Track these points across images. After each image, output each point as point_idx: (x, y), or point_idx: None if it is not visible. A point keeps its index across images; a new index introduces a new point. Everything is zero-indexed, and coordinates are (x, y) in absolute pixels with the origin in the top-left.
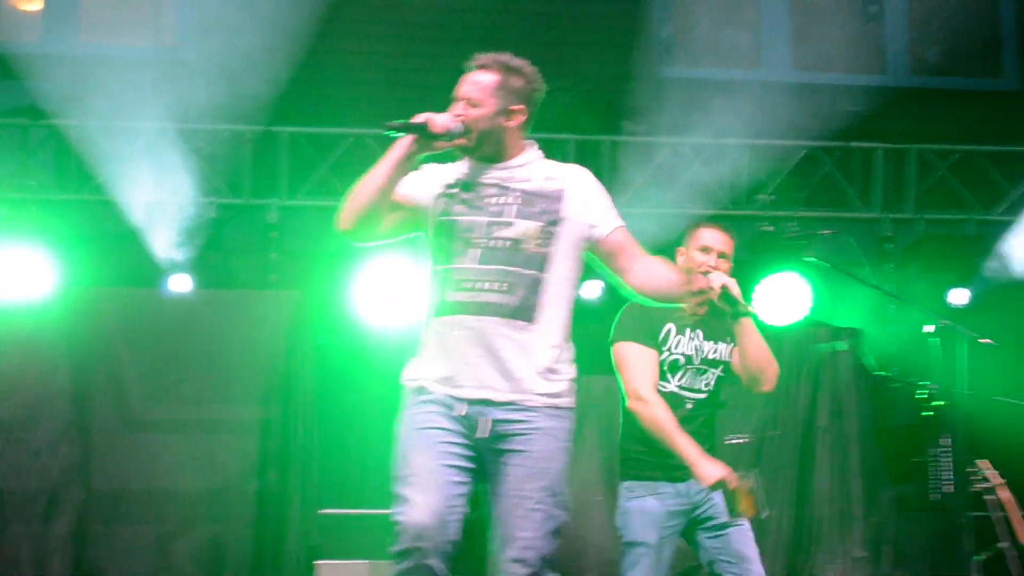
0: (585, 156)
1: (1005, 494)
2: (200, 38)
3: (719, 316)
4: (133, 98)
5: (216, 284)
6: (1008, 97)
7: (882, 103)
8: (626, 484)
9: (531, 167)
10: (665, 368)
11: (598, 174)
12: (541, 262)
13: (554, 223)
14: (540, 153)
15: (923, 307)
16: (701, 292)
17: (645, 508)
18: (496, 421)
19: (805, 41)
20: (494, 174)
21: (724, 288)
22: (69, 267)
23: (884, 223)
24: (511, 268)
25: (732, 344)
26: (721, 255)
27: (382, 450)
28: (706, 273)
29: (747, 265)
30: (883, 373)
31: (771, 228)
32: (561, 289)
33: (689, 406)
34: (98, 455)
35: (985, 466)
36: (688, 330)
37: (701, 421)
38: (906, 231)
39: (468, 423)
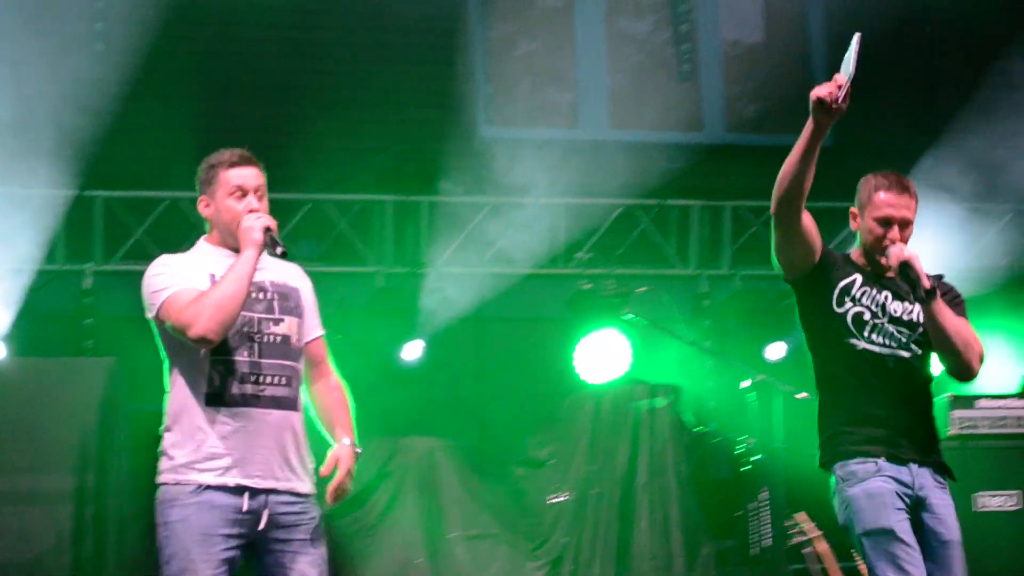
0: (404, 217)
1: (823, 546)
2: (10, 101)
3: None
4: None
5: (31, 351)
6: (824, 153)
7: (699, 160)
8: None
9: (266, 260)
10: (849, 323)
11: (416, 236)
12: (300, 357)
13: (301, 318)
14: None
15: (740, 362)
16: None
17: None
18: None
19: (623, 100)
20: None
21: (904, 265)
22: None
23: (701, 279)
24: (288, 362)
25: None
26: (904, 223)
27: None
28: (884, 249)
29: (565, 323)
30: (702, 428)
31: (589, 286)
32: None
33: (891, 365)
34: None
35: (802, 519)
36: (876, 286)
37: (909, 387)
38: (723, 287)
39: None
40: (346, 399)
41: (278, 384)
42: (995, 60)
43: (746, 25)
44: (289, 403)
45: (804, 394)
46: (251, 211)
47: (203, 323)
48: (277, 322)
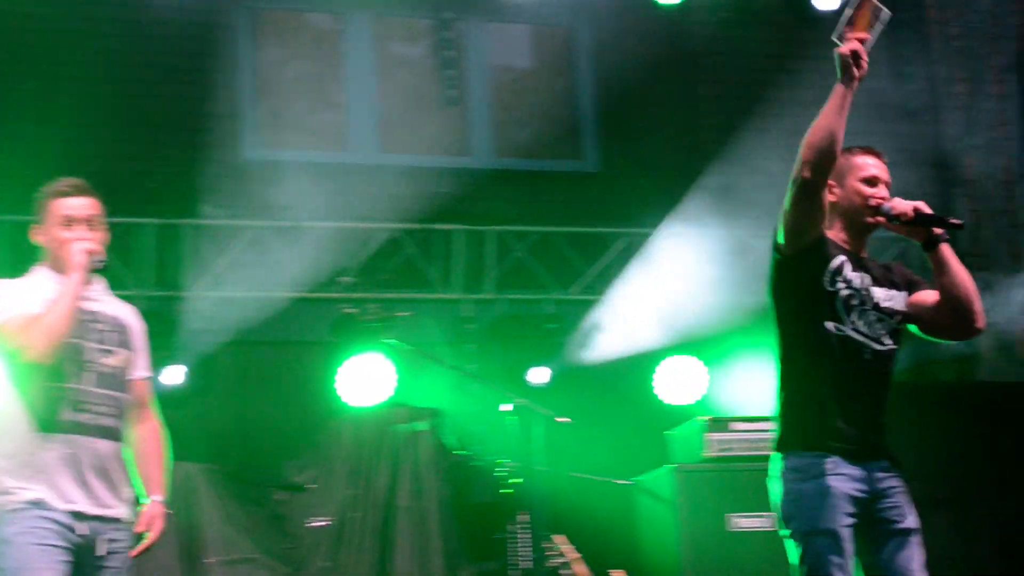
0: (166, 240)
1: (581, 568)
2: None
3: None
4: None
5: None
6: (588, 179)
7: (467, 185)
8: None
9: (107, 297)
10: (838, 305)
11: (178, 259)
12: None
13: (130, 351)
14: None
15: (500, 386)
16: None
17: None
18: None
19: (392, 124)
20: (88, 293)
21: (918, 211)
22: None
23: (466, 303)
24: (117, 394)
25: (907, 293)
26: (887, 186)
27: None
28: (878, 208)
29: (329, 347)
30: (463, 452)
31: (353, 310)
32: None
33: (868, 356)
34: None
35: (561, 541)
36: (861, 269)
37: (879, 382)
38: (487, 311)
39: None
40: (162, 449)
41: (107, 415)
42: (759, 88)
43: (514, 52)
44: (116, 434)
45: (565, 419)
46: (79, 240)
47: (36, 344)
48: (110, 353)
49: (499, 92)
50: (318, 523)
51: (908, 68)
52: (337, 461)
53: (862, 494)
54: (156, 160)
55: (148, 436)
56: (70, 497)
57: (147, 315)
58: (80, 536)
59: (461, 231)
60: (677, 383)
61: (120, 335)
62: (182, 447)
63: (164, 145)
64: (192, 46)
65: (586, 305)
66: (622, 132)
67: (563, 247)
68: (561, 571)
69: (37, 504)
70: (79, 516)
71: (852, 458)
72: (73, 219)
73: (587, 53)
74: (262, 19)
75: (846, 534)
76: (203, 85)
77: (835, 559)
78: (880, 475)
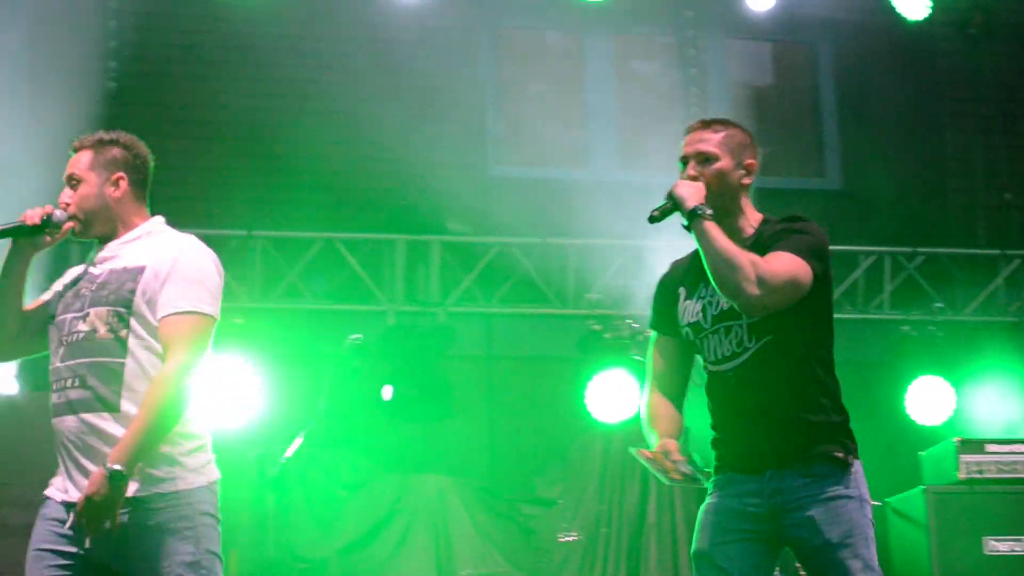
0: (415, 256)
1: None
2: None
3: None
4: None
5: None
6: (831, 196)
7: None
8: None
9: (139, 242)
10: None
11: (427, 275)
12: (118, 348)
13: (126, 304)
14: (162, 227)
15: None
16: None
17: None
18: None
19: (632, 141)
20: (100, 256)
21: (670, 193)
22: None
23: None
24: (86, 360)
25: None
26: (701, 156)
27: None
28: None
29: (577, 363)
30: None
31: (599, 327)
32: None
33: (733, 381)
34: None
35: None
36: (701, 287)
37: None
38: None
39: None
40: (147, 402)
41: (75, 387)
42: (1007, 105)
43: (756, 68)
44: (86, 404)
45: None
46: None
47: None
48: (83, 318)
49: (741, 109)
50: (568, 538)
51: None
52: (586, 476)
53: None
54: (405, 177)
55: (148, 390)
56: (61, 487)
57: (396, 331)
58: (70, 528)
59: None
60: (927, 403)
61: (103, 290)
62: (435, 461)
63: (412, 163)
64: (435, 66)
65: None
66: (865, 149)
67: None
68: None
69: (44, 501)
70: (69, 506)
71: None
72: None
73: (829, 69)
74: (503, 38)
75: None
76: (448, 104)
77: None
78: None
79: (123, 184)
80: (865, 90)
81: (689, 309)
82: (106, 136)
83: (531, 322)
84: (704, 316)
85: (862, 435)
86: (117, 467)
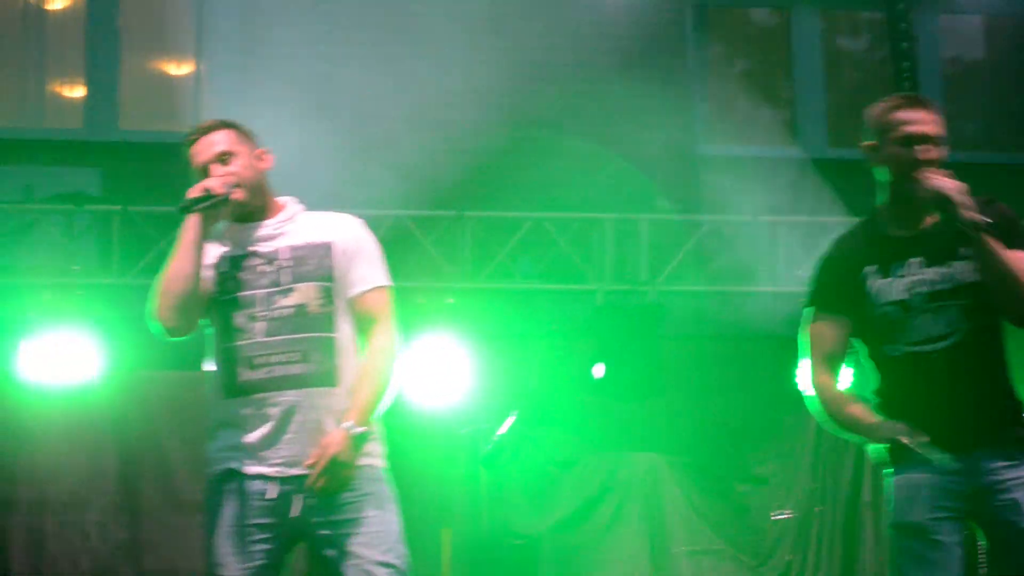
0: (623, 235)
1: None
2: None
3: (945, 227)
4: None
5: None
6: None
7: None
8: None
9: (299, 219)
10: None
11: (636, 252)
12: (329, 323)
13: (328, 279)
14: (301, 206)
15: None
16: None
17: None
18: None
19: (841, 118)
20: (261, 234)
21: (938, 193)
22: (115, 351)
23: None
24: (301, 336)
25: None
26: (932, 139)
27: None
28: (917, 177)
29: (789, 341)
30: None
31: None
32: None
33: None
34: (147, 536)
35: None
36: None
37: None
38: None
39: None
40: (371, 369)
41: (291, 362)
42: None
43: (966, 43)
44: (308, 379)
45: None
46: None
47: (155, 312)
48: (288, 293)
49: (951, 85)
50: (782, 516)
51: None
52: (800, 454)
53: None
54: (611, 156)
55: (364, 360)
56: (257, 460)
57: (605, 309)
58: (269, 500)
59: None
60: None
61: (304, 265)
62: (646, 440)
63: (619, 141)
64: (642, 45)
65: None
66: None
67: None
68: None
69: (223, 475)
70: (266, 479)
71: None
72: (204, 162)
73: None
74: (709, 16)
75: None
76: (655, 81)
77: None
78: None
79: (268, 158)
80: None
81: (890, 287)
82: (226, 120)
83: (740, 300)
84: (913, 294)
85: None
86: (360, 428)
